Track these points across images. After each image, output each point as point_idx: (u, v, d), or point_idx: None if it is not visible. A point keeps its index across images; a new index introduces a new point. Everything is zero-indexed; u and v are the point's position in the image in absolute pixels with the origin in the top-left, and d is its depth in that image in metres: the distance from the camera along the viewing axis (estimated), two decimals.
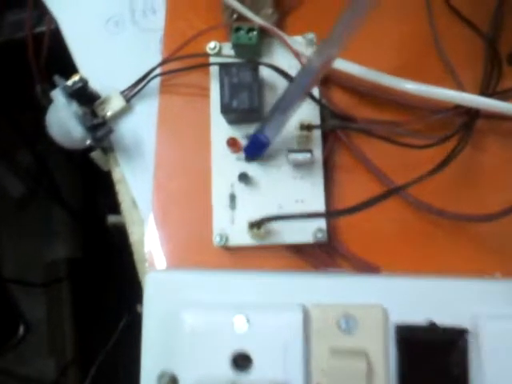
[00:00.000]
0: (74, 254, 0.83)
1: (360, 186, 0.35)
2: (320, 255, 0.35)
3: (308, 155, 0.31)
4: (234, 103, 0.33)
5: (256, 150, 0.33)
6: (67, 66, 0.42)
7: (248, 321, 0.29)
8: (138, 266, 0.38)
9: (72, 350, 0.79)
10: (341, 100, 0.36)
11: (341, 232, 0.34)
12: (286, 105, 0.31)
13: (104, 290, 0.77)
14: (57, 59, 0.44)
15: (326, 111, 0.34)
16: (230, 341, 0.29)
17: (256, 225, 0.31)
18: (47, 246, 0.85)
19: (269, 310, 0.29)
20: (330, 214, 0.30)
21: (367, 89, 0.35)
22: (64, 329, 0.81)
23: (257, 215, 0.34)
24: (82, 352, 0.78)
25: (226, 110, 0.33)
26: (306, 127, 0.32)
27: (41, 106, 0.44)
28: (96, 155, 0.42)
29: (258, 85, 0.33)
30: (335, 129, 0.34)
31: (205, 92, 0.37)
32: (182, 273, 0.32)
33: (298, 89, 0.31)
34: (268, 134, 0.31)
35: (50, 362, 0.83)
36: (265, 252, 0.35)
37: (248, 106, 0.33)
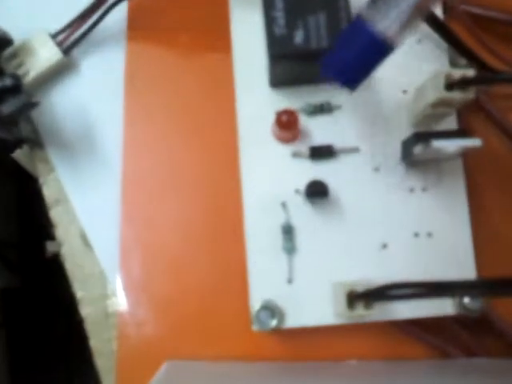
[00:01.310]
0: (5, 288, 0.63)
1: None
2: (457, 334, 0.18)
3: (476, 142, 0.14)
4: (298, 36, 0.15)
5: (356, 62, 0.14)
6: None
7: None
8: (98, 361, 0.20)
9: None
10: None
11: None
12: None
13: (48, 338, 0.57)
14: None
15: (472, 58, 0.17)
16: None
17: (368, 298, 0.14)
18: None
19: None
20: None
21: None
22: None
23: (341, 265, 0.17)
24: None
25: (279, 49, 0.16)
26: (458, 83, 0.15)
27: None
28: (22, 155, 0.24)
29: (347, 2, 0.16)
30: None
31: (219, 27, 0.20)
32: None
33: None
34: (386, 29, 0.13)
35: None
36: (354, 332, 0.18)
37: (328, 43, 0.15)
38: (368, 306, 0.14)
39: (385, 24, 0.13)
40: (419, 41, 0.18)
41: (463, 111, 0.19)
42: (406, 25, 0.13)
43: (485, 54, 0.18)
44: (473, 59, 0.17)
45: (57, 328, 0.58)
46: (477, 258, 0.17)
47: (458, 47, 0.17)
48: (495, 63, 0.18)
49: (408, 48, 0.18)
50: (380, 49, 0.14)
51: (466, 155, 0.18)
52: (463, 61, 0.18)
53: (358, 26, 0.13)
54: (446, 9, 0.19)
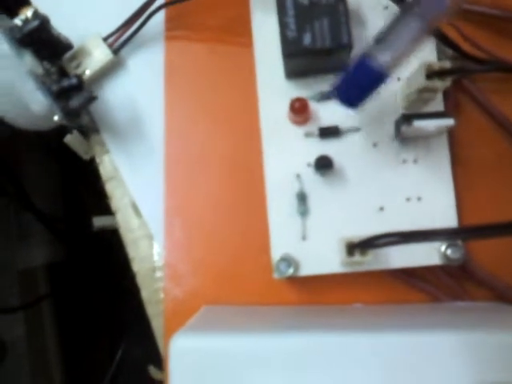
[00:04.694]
0: (52, 261, 0.69)
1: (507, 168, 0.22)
2: (444, 281, 0.22)
3: (450, 122, 0.18)
4: (307, 38, 0.19)
5: (359, 89, 0.18)
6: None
7: None
8: (148, 308, 0.25)
9: (59, 378, 0.66)
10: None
11: (477, 247, 0.21)
12: (406, 30, 0.16)
13: (93, 306, 0.63)
14: None
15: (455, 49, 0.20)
16: None
17: (362, 247, 0.18)
18: (20, 252, 0.71)
19: None
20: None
21: None
22: (48, 352, 0.67)
23: (345, 225, 0.21)
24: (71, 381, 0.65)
25: (291, 50, 0.19)
26: (437, 73, 0.18)
27: None
28: (72, 140, 0.28)
29: (346, 8, 0.19)
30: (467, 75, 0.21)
31: (242, 28, 0.23)
32: (234, 336, 0.18)
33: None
34: (383, 62, 0.16)
35: None
36: (358, 280, 0.22)
37: (331, 43, 0.19)
38: (363, 253, 0.18)
39: (383, 59, 0.16)
40: None
41: (452, 93, 0.22)
42: (401, 58, 0.16)
43: (464, 44, 0.21)
44: (456, 49, 0.20)
45: (101, 296, 0.64)
46: (459, 218, 0.21)
47: (442, 39, 0.20)
48: (477, 52, 0.21)
49: None
50: (378, 79, 0.17)
51: (453, 131, 0.21)
52: (450, 51, 0.21)
53: (361, 61, 0.17)
54: None
